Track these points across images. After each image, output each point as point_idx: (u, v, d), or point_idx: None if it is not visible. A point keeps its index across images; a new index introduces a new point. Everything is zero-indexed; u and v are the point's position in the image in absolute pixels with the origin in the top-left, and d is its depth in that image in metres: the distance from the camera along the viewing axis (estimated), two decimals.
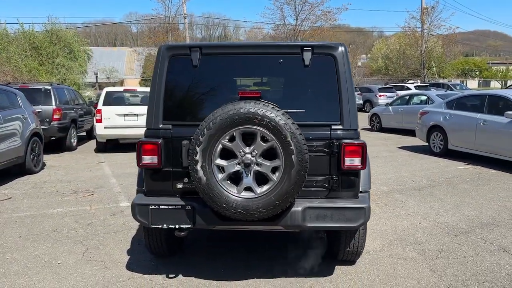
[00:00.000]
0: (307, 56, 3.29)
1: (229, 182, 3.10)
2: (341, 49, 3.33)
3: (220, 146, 3.05)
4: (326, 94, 3.35)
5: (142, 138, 3.42)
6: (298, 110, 3.25)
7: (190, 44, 3.39)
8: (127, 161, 9.57)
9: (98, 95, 19.85)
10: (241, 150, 3.05)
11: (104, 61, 46.08)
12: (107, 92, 10.91)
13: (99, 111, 10.51)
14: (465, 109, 9.42)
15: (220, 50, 3.39)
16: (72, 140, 11.31)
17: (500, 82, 51.56)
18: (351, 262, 3.95)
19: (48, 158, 9.62)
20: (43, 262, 4.01)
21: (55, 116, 10.39)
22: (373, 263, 3.97)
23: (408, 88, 23.52)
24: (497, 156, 8.41)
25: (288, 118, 2.99)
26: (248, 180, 3.08)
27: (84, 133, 13.66)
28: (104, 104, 10.61)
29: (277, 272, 3.75)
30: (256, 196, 3.06)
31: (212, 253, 4.19)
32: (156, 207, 3.29)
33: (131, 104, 11.07)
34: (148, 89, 11.80)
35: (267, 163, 3.05)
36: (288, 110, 3.13)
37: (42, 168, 8.63)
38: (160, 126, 3.37)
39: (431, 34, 33.76)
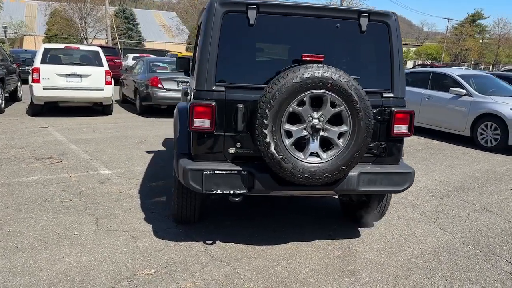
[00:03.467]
0: (364, 22, 3.31)
1: (294, 147, 3.07)
2: (394, 17, 3.41)
3: (290, 110, 2.99)
4: (378, 62, 3.43)
5: (192, 100, 3.20)
6: (353, 77, 3.27)
7: (247, 1, 3.20)
8: (76, 126, 8.82)
9: (11, 53, 17.73)
10: (309, 115, 3.02)
11: None
12: (45, 49, 9.79)
13: (37, 70, 9.43)
14: (411, 84, 10.16)
15: (278, 9, 3.25)
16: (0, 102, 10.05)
17: None
18: (369, 225, 4.17)
19: None
20: (56, 234, 3.62)
21: None
22: (389, 225, 4.24)
23: None
24: (439, 128, 9.29)
25: (359, 84, 3.02)
26: (315, 145, 3.07)
27: (7, 95, 12.16)
28: (42, 62, 9.53)
29: (308, 236, 3.84)
30: (322, 161, 3.08)
31: (234, 219, 4.13)
32: (211, 172, 3.14)
33: (73, 63, 10.09)
34: (90, 48, 10.89)
35: (335, 128, 3.06)
36: None
37: None
38: (213, 88, 3.18)
39: None
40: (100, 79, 9.90)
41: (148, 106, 10.84)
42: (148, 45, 44.87)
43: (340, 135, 3.09)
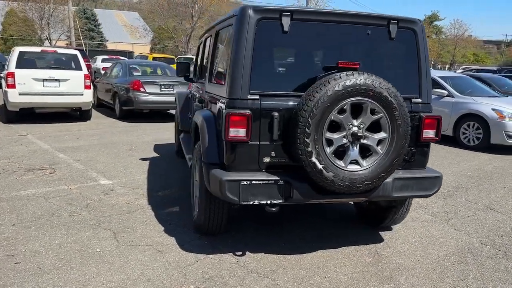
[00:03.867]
0: (393, 29, 3.34)
1: (333, 155, 3.04)
2: (420, 24, 3.45)
3: (331, 118, 2.96)
4: (406, 68, 3.46)
5: (227, 109, 3.10)
6: None
7: (281, 8, 3.14)
8: (57, 133, 8.44)
9: None
10: (349, 123, 3.01)
11: None
12: (20, 52, 9.29)
13: (11, 75, 8.95)
14: None
15: (311, 16, 3.21)
16: None
17: None
18: (389, 228, 4.21)
19: None
20: (77, 251, 3.43)
21: None
22: (406, 227, 4.29)
23: None
24: None
25: (397, 91, 3.04)
26: (355, 153, 3.06)
27: None
28: (17, 67, 9.05)
29: (332, 241, 3.83)
30: (362, 169, 3.07)
31: (257, 226, 4.06)
32: (248, 182, 3.06)
33: (51, 67, 9.62)
34: (68, 51, 10.47)
35: (374, 136, 3.06)
36: None
37: None
38: (248, 96, 3.10)
39: None
40: (79, 84, 9.53)
41: (129, 111, 10.54)
42: (110, 46, 43.68)
43: (379, 142, 3.09)
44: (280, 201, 3.14)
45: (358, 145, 3.06)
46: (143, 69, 11.32)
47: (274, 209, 3.21)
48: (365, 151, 3.11)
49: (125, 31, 51.97)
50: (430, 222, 4.46)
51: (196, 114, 3.92)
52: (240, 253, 3.53)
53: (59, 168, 5.89)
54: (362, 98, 2.96)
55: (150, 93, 10.09)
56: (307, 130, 2.90)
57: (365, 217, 4.29)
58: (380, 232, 4.12)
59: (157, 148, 7.53)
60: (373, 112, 3.02)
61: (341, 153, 3.07)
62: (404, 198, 3.55)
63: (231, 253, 3.52)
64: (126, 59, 16.46)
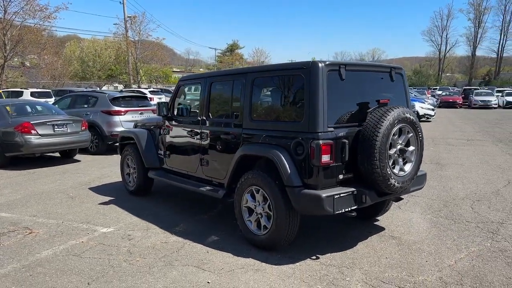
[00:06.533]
0: (393, 73, 4.73)
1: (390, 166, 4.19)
2: (403, 69, 4.94)
3: (390, 140, 4.11)
4: (400, 99, 4.85)
5: (315, 141, 3.91)
6: None
7: (339, 62, 4.17)
8: None
9: None
10: (397, 142, 4.22)
11: None
12: None
13: None
14: None
15: (356, 67, 4.34)
16: None
17: None
18: (376, 219, 5.55)
19: None
20: None
21: None
22: (380, 216, 5.70)
23: (144, 93, 24.70)
24: None
25: (416, 117, 4.40)
26: (400, 163, 4.28)
27: None
28: None
29: (360, 237, 4.93)
30: (405, 173, 4.31)
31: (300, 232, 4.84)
32: (338, 196, 3.96)
33: None
34: None
35: (410, 148, 4.35)
36: None
37: None
38: (328, 129, 4.00)
39: (141, 42, 36.03)
40: None
41: (12, 157, 9.37)
42: None
43: (411, 153, 4.38)
44: (356, 206, 4.12)
45: (402, 157, 4.29)
46: (21, 109, 10.09)
47: (353, 214, 4.15)
48: (404, 159, 4.37)
49: None
50: (389, 210, 5.98)
51: (258, 148, 4.45)
52: (314, 257, 4.31)
53: (31, 226, 5.33)
54: (404, 124, 4.22)
55: (43, 135, 9.23)
56: (381, 149, 3.99)
57: (363, 212, 5.48)
58: (374, 223, 5.42)
59: (98, 191, 7.22)
60: (408, 132, 4.31)
61: (393, 163, 4.25)
62: (413, 191, 4.93)
63: (308, 259, 4.27)
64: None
